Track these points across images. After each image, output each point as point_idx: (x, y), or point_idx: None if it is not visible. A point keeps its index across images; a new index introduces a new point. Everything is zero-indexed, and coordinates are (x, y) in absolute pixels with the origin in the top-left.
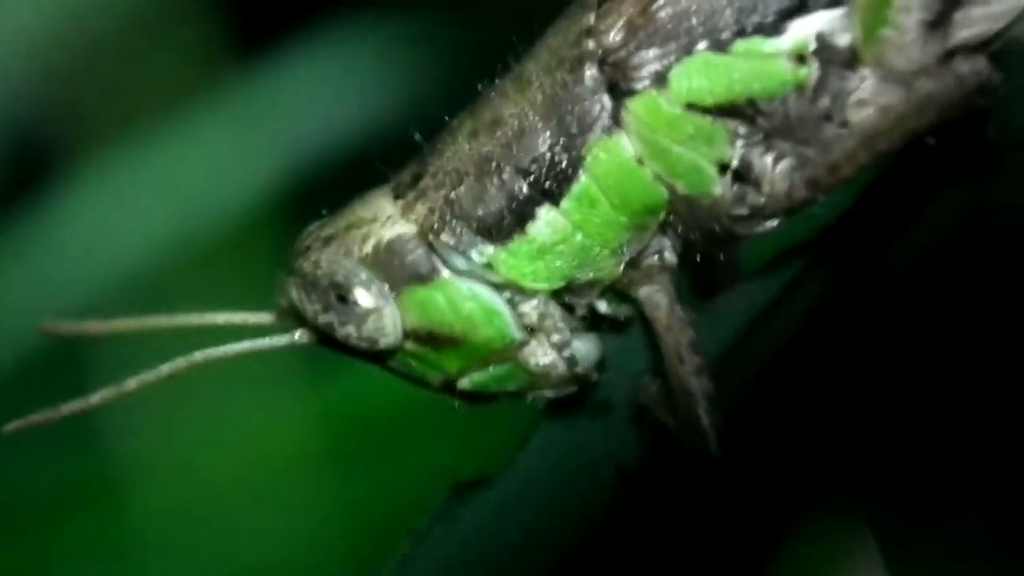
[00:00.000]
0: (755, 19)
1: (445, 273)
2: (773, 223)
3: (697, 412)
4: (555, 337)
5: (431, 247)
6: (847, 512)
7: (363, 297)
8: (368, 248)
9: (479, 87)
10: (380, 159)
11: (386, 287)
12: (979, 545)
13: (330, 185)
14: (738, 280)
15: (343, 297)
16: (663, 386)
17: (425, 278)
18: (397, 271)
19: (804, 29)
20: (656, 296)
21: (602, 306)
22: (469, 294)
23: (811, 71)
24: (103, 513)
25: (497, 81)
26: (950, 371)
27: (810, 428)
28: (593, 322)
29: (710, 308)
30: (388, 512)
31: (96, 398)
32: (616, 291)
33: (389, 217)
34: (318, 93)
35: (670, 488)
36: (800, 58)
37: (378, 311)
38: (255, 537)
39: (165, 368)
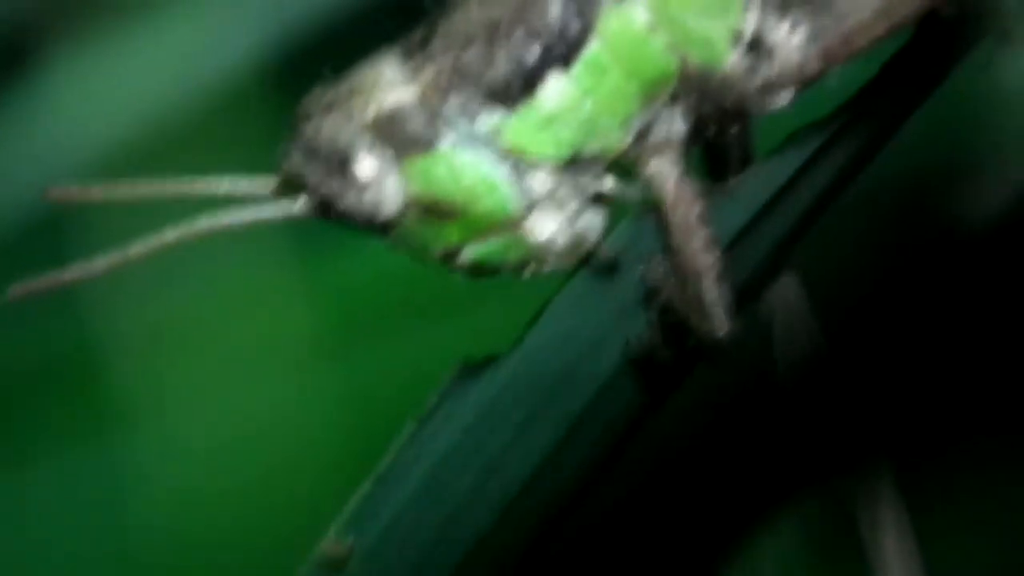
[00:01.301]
0: None
1: (447, 142)
2: (786, 96)
3: (705, 287)
4: (560, 210)
5: (435, 115)
6: (862, 427)
7: (365, 165)
8: (370, 114)
9: None
10: (389, 22)
11: (389, 155)
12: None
13: (335, 48)
14: (751, 162)
15: (344, 165)
16: (672, 265)
17: (427, 147)
18: (399, 139)
19: None
20: (665, 169)
21: (606, 185)
22: (471, 164)
23: None
24: (85, 391)
25: None
26: (958, 265)
27: (826, 321)
28: (598, 199)
29: (722, 190)
30: (388, 396)
31: (101, 264)
32: (624, 166)
33: (392, 82)
34: None
35: (676, 372)
36: None
37: (379, 180)
38: (243, 416)
39: (171, 234)
